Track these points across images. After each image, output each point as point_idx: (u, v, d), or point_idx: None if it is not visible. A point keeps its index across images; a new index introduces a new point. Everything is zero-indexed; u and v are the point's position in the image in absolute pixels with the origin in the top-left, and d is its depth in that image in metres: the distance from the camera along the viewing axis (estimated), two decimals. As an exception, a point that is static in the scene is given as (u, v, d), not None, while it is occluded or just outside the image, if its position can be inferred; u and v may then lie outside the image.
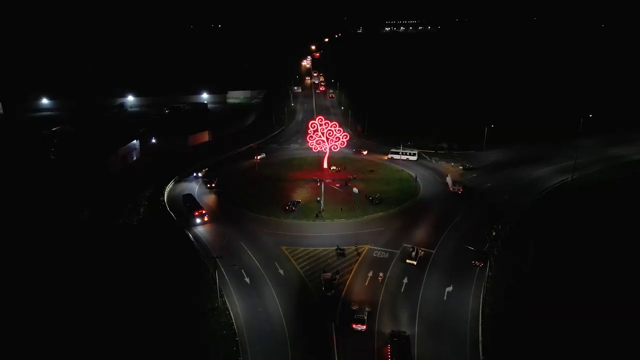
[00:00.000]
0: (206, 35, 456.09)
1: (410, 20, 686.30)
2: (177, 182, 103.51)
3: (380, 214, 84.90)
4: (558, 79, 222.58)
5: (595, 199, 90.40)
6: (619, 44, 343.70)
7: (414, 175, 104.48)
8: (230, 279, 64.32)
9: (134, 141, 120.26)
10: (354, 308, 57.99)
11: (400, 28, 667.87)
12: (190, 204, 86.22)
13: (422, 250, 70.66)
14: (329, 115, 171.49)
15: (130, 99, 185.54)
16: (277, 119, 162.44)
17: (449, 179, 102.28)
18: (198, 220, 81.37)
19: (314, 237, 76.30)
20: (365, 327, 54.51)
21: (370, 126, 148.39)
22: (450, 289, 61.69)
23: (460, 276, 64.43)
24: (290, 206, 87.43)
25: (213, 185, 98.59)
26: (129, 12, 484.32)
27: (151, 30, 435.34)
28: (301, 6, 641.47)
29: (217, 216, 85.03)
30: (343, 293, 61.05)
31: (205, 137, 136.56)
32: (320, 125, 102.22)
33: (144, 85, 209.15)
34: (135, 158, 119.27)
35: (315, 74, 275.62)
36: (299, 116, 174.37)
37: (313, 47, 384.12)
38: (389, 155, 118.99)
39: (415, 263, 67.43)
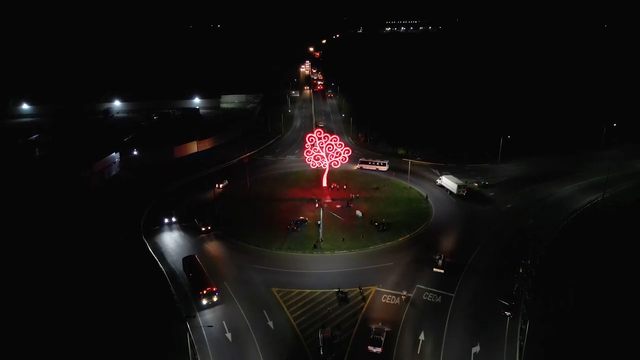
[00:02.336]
0: (201, 36, 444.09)
1: (410, 20, 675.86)
2: (150, 234, 76.45)
3: (388, 244, 73.41)
4: (577, 84, 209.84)
5: (633, 221, 79.33)
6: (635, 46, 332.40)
7: (424, 194, 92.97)
8: (208, 335, 52.71)
9: (114, 154, 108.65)
10: (373, 327, 52.76)
11: (401, 28, 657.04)
12: (193, 273, 61.15)
13: (448, 259, 67.05)
14: (329, 122, 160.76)
15: (117, 104, 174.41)
16: (272, 126, 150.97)
17: (445, 180, 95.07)
18: (205, 302, 57.18)
19: (311, 275, 64.75)
20: (380, 349, 49.24)
21: (373, 134, 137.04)
22: (477, 349, 50.23)
23: (488, 332, 52.91)
24: (293, 225, 77.75)
25: (208, 228, 76.87)
26: (119, 10, 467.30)
27: (143, 31, 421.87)
28: (300, 6, 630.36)
29: (234, 290, 60.85)
30: (346, 356, 49.57)
31: (193, 147, 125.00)
32: (319, 138, 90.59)
33: (132, 89, 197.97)
34: (114, 172, 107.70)
35: (314, 71, 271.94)
36: (297, 123, 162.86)
37: (311, 49, 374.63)
38: (359, 165, 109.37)
39: (443, 271, 64.02)
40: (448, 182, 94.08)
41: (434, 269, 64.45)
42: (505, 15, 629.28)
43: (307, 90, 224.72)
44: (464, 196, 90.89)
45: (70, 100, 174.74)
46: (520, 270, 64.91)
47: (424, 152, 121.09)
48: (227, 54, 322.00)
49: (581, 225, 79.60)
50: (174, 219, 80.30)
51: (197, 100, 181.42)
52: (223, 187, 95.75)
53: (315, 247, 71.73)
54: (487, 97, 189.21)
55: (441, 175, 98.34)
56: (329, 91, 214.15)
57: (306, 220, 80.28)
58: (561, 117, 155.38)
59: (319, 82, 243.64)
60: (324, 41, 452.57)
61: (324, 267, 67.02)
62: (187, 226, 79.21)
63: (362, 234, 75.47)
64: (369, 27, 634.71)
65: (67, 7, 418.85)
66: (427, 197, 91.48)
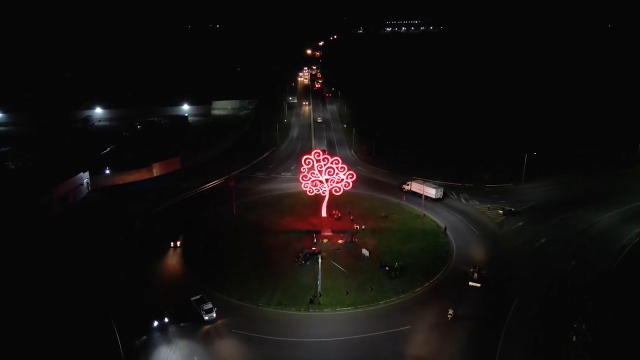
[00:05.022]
0: (197, 37, 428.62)
1: (410, 20, 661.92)
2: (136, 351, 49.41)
3: (403, 297, 59.21)
4: (609, 93, 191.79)
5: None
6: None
7: (442, 225, 78.69)
8: None
9: (82, 173, 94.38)
10: None
11: (402, 28, 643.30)
12: None
13: (484, 271, 62.94)
14: (328, 132, 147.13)
15: (99, 111, 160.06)
16: (267, 137, 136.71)
17: (418, 186, 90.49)
18: None
19: (307, 346, 50.45)
20: None
21: (378, 145, 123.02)
22: None
23: None
24: (301, 259, 66.45)
25: (213, 315, 54.23)
26: (107, 8, 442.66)
27: (133, 31, 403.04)
28: (299, 6, 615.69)
29: None
30: None
31: (176, 164, 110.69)
32: (317, 161, 76.28)
33: (116, 94, 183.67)
34: (82, 195, 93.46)
35: (314, 67, 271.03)
36: (294, 132, 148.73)
37: (309, 51, 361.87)
38: None
39: (479, 285, 60.38)
40: (426, 188, 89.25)
41: (470, 283, 61.02)
42: (509, 15, 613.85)
43: (307, 107, 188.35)
44: (490, 220, 78.98)
45: (48, 107, 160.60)
46: (574, 338, 50.97)
47: (435, 170, 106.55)
48: (221, 56, 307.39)
49: (635, 267, 65.66)
50: (166, 320, 53.59)
51: (186, 107, 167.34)
52: (181, 244, 72.94)
53: (311, 302, 57.56)
54: (508, 108, 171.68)
55: (408, 181, 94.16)
56: (327, 91, 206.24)
57: (318, 253, 66.07)
58: (591, 131, 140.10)
59: (319, 81, 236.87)
60: (321, 43, 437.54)
61: (323, 332, 52.70)
62: (186, 323, 54.05)
63: (370, 284, 61.06)
64: (369, 28, 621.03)
65: (44, 3, 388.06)
66: (445, 228, 77.23)
